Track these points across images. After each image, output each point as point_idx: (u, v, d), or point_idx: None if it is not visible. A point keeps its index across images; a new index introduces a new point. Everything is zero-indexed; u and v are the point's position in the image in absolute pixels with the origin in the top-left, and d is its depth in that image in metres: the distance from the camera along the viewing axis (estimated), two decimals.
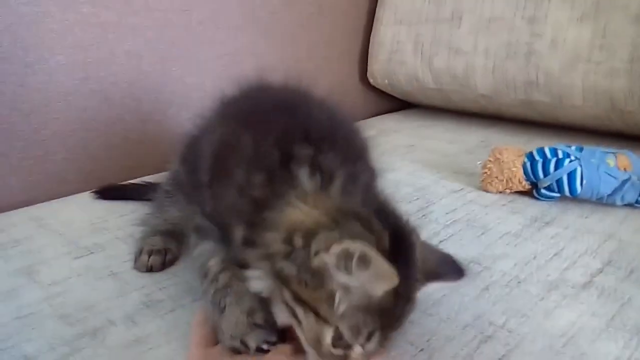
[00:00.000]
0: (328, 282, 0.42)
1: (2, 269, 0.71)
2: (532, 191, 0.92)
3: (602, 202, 0.86)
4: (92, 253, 0.75)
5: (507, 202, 0.90)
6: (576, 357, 0.51)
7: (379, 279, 0.40)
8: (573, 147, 0.89)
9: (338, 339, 0.42)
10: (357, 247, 0.39)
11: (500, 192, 0.93)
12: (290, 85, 0.64)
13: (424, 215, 0.86)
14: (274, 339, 0.46)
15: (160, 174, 0.90)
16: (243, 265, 0.49)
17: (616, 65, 1.11)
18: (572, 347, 0.52)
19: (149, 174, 1.03)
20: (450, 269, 0.51)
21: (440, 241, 0.76)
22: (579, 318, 0.57)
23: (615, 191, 0.84)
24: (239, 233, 0.49)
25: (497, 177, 0.92)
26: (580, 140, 1.14)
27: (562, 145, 0.90)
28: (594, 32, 1.15)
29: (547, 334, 0.55)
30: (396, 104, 1.76)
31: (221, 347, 0.49)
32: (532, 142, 1.24)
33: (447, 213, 0.86)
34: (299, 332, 0.45)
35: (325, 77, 1.57)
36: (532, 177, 0.90)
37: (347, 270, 0.40)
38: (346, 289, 0.41)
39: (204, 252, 0.55)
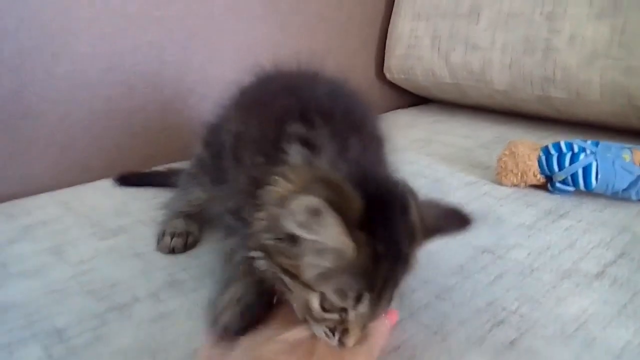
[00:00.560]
0: (300, 245, 0.42)
1: (31, 249, 0.74)
2: (547, 185, 0.92)
3: (617, 196, 0.86)
4: (116, 235, 0.78)
5: (521, 195, 0.91)
6: (587, 342, 0.52)
7: (332, 231, 0.40)
8: (589, 142, 0.90)
9: (329, 304, 0.43)
10: (305, 199, 0.39)
11: (515, 186, 0.94)
12: (301, 69, 0.66)
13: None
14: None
15: (181, 162, 0.93)
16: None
17: (634, 62, 1.11)
18: (583, 332, 0.54)
19: (170, 162, 1.06)
20: (453, 220, 0.50)
21: None
22: (591, 305, 0.58)
23: (630, 186, 0.84)
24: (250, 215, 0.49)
25: (512, 171, 0.93)
26: (596, 136, 1.14)
27: (578, 140, 0.90)
28: (612, 29, 1.15)
29: (559, 319, 0.56)
30: (412, 99, 1.77)
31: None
32: (547, 138, 1.24)
33: (462, 204, 0.87)
34: (295, 306, 0.46)
35: (341, 71, 1.58)
36: (547, 170, 0.90)
37: (306, 226, 0.40)
38: (317, 251, 0.42)
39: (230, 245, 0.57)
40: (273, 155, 0.49)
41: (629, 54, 1.12)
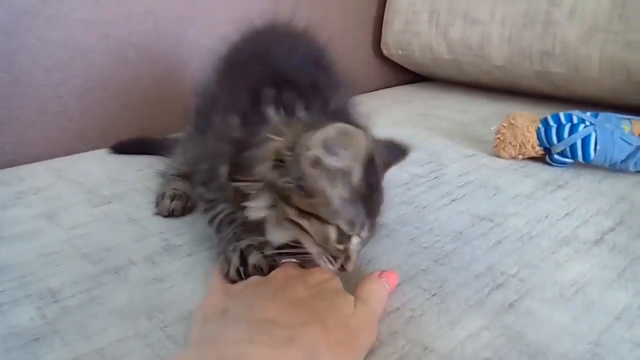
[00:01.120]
0: (318, 182, 0.48)
1: (24, 213, 0.73)
2: (545, 157, 0.92)
3: (615, 167, 0.86)
4: (110, 202, 0.77)
5: (519, 167, 0.91)
6: (586, 304, 0.52)
7: (356, 144, 0.46)
8: (588, 113, 0.89)
9: (340, 235, 0.49)
10: (329, 128, 0.45)
11: (513, 158, 0.94)
12: (280, 29, 0.72)
13: (436, 177, 0.87)
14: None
15: (176, 134, 0.92)
16: (230, 199, 0.55)
17: (634, 37, 1.10)
18: (582, 295, 0.53)
19: (164, 134, 1.04)
20: (395, 152, 0.61)
21: (453, 200, 0.77)
22: (590, 270, 0.58)
23: (629, 157, 0.84)
24: (223, 170, 0.54)
25: (510, 143, 0.93)
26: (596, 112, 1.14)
27: (578, 112, 0.90)
28: (613, 3, 1.13)
29: (558, 283, 0.56)
30: (409, 76, 1.75)
31: (242, 284, 0.50)
32: (546, 114, 1.23)
33: (459, 175, 0.87)
34: (306, 242, 0.51)
35: (338, 47, 1.56)
36: (545, 142, 0.90)
37: (330, 150, 0.46)
38: (332, 180, 0.47)
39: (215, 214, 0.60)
40: (251, 116, 0.53)
41: (629, 28, 1.11)
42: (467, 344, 0.46)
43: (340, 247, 0.50)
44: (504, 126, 0.94)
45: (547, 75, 1.28)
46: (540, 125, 0.91)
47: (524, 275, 0.57)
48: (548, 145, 0.90)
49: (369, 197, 0.50)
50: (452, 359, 0.45)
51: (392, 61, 1.68)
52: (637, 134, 0.84)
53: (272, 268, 0.52)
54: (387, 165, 0.58)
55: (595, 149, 0.85)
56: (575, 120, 0.88)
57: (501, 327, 0.49)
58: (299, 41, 0.68)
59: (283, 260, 0.54)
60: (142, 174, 0.87)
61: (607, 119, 0.87)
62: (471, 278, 0.57)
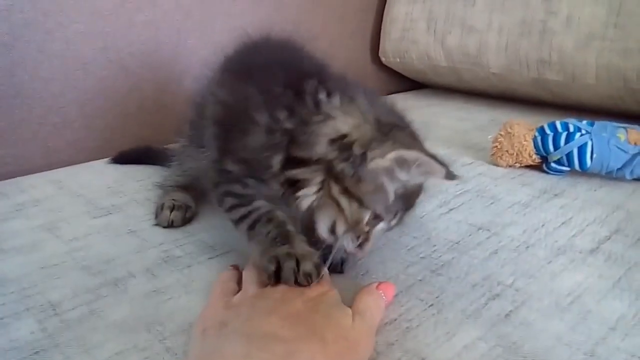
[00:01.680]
0: (379, 178, 0.52)
1: (24, 225, 0.74)
2: (542, 165, 0.93)
3: (612, 176, 0.87)
4: (110, 213, 0.78)
5: (516, 175, 0.91)
6: (582, 314, 0.52)
7: (431, 173, 0.53)
8: (584, 122, 0.90)
9: (372, 219, 0.54)
10: (411, 154, 0.50)
11: (510, 166, 0.94)
12: (277, 41, 0.73)
13: (434, 186, 0.87)
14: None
15: (175, 143, 0.92)
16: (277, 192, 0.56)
17: (630, 44, 1.11)
18: (578, 305, 0.54)
19: (164, 144, 1.05)
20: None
21: (450, 209, 0.78)
22: (586, 279, 0.59)
23: (625, 165, 0.85)
24: (276, 160, 0.55)
25: (507, 151, 0.93)
26: (592, 119, 1.15)
27: (574, 120, 0.90)
28: (609, 11, 1.14)
29: (554, 293, 0.56)
30: (407, 84, 1.76)
31: (241, 297, 0.51)
32: (543, 122, 1.23)
33: (457, 184, 0.87)
34: (338, 220, 0.53)
35: (337, 55, 1.58)
36: (542, 150, 0.90)
37: (402, 170, 0.51)
38: (394, 183, 0.53)
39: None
40: (299, 107, 0.55)
41: (625, 36, 1.12)
42: (464, 355, 0.47)
43: (367, 228, 0.54)
44: (501, 135, 0.95)
45: (544, 83, 1.29)
46: (536, 134, 0.92)
47: (520, 285, 0.58)
48: (545, 154, 0.90)
49: (411, 192, 0.56)
50: None
51: (391, 69, 1.69)
52: (633, 143, 0.85)
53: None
54: None
55: (591, 158, 0.85)
56: (571, 129, 0.88)
57: (497, 337, 0.49)
58: (304, 50, 0.71)
59: None
60: (141, 185, 0.88)
61: (603, 127, 0.87)
62: (468, 288, 0.57)
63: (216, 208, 0.76)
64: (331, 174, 0.53)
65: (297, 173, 0.54)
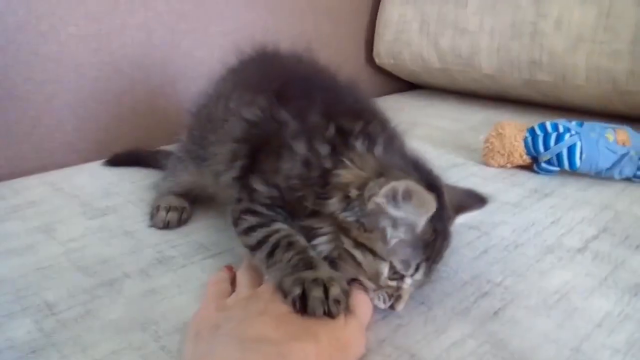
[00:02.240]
0: (380, 222, 0.49)
1: (20, 227, 0.74)
2: (533, 165, 0.94)
3: (601, 175, 0.88)
4: (105, 214, 0.78)
5: (507, 176, 0.92)
6: (569, 311, 0.54)
7: (422, 206, 0.47)
8: (574, 122, 0.91)
9: (393, 273, 0.50)
10: (401, 183, 0.46)
11: (502, 166, 0.96)
12: (294, 55, 0.72)
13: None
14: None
15: (169, 145, 0.93)
16: (306, 236, 0.53)
17: (619, 46, 1.13)
18: (565, 303, 0.55)
19: (157, 145, 1.06)
20: (473, 200, 0.60)
21: None
22: (573, 278, 0.60)
23: (613, 165, 0.86)
24: (311, 199, 0.53)
25: (498, 152, 0.95)
26: (582, 119, 1.16)
27: (563, 121, 0.92)
28: (598, 13, 1.16)
29: (542, 291, 0.57)
30: (401, 85, 1.77)
31: (233, 298, 0.51)
32: (534, 122, 1.24)
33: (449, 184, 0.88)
34: (360, 276, 0.51)
35: (331, 56, 1.58)
36: (533, 151, 0.92)
37: (396, 204, 0.47)
38: (395, 224, 0.49)
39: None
40: (339, 147, 0.54)
41: (614, 38, 1.14)
42: (452, 351, 0.48)
43: (393, 284, 0.50)
44: (492, 135, 0.96)
45: (535, 84, 1.31)
46: (527, 135, 0.93)
47: (508, 284, 0.59)
48: (535, 154, 0.92)
49: (432, 241, 0.50)
50: None
51: (385, 70, 1.71)
52: (621, 143, 0.86)
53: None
54: (461, 210, 0.57)
55: (580, 158, 0.87)
56: (561, 130, 0.90)
57: (486, 334, 0.50)
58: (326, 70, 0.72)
59: None
60: (136, 186, 0.89)
61: (592, 128, 0.89)
62: (458, 287, 0.58)
63: (209, 209, 0.78)
64: (340, 228, 0.50)
65: (312, 222, 0.53)
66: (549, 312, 0.54)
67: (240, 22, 1.31)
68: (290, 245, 0.51)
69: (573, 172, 0.89)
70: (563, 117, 1.20)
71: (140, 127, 1.15)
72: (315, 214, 0.53)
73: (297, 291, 0.46)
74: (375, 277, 0.50)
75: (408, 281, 0.51)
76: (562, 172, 0.90)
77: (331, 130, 0.55)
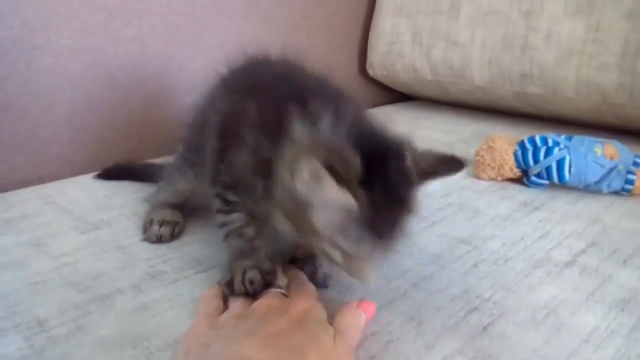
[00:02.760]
0: (309, 205, 0.47)
1: (12, 241, 0.74)
2: (523, 178, 0.95)
3: (590, 189, 0.89)
4: (98, 228, 0.78)
5: (498, 189, 0.93)
6: (557, 326, 0.54)
7: (316, 180, 0.45)
8: (563, 136, 0.92)
9: (341, 250, 0.49)
10: (309, 165, 0.44)
11: (492, 179, 0.97)
12: (278, 59, 0.73)
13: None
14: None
15: (164, 157, 0.93)
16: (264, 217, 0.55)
17: (608, 59, 1.14)
18: (553, 318, 0.56)
19: (152, 157, 1.06)
20: (448, 164, 0.56)
21: (434, 222, 0.80)
22: (561, 293, 0.60)
23: (602, 179, 0.87)
24: (260, 185, 0.54)
25: (489, 165, 0.96)
26: (573, 132, 1.18)
27: (553, 135, 0.93)
28: (587, 27, 1.18)
29: (530, 306, 0.58)
30: (394, 96, 1.79)
31: (225, 316, 0.52)
32: (525, 134, 1.25)
33: (440, 197, 0.89)
34: (318, 255, 0.52)
35: (325, 67, 1.60)
36: (522, 164, 0.93)
37: (311, 189, 0.46)
38: (326, 209, 0.47)
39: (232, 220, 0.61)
40: (278, 133, 0.52)
41: (603, 51, 1.15)
42: None
43: (349, 259, 0.50)
44: (483, 149, 0.97)
45: (526, 96, 1.32)
46: (517, 148, 0.94)
47: (498, 299, 0.59)
48: (525, 167, 0.93)
49: (378, 216, 0.47)
50: None
51: (378, 81, 1.72)
52: (609, 157, 0.87)
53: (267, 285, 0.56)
54: (428, 175, 0.53)
55: (569, 171, 0.88)
56: (550, 143, 0.91)
57: (475, 350, 0.51)
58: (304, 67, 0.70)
59: (270, 290, 0.56)
60: (128, 200, 0.89)
61: (581, 142, 0.90)
62: (447, 302, 0.59)
63: (203, 223, 0.78)
64: (284, 214, 0.51)
65: (267, 208, 0.53)
66: (537, 327, 0.54)
67: (234, 34, 1.32)
68: (240, 235, 0.59)
69: (562, 185, 0.90)
70: (554, 129, 1.21)
71: (135, 139, 1.15)
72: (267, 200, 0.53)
73: (227, 277, 0.57)
74: (328, 259, 0.51)
75: (360, 256, 0.49)
76: (552, 185, 0.91)
77: (276, 116, 0.54)
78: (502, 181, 0.96)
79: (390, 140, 0.52)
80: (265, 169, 0.52)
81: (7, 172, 0.99)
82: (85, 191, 0.94)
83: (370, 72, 1.69)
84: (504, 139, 0.97)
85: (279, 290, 0.56)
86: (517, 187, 0.94)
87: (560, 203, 0.86)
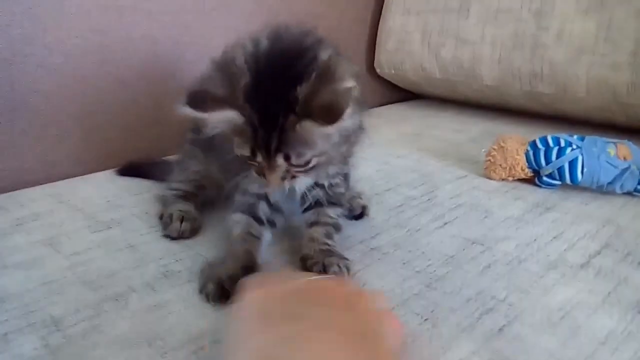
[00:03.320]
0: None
1: (25, 241, 0.74)
2: (534, 179, 0.94)
3: (602, 190, 0.88)
4: (110, 227, 0.79)
5: (509, 189, 0.93)
6: (572, 329, 0.54)
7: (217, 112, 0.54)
8: (575, 137, 0.91)
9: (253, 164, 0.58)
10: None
11: (503, 179, 0.96)
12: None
13: (429, 200, 0.89)
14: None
15: (174, 156, 0.93)
16: None
17: (619, 58, 1.14)
18: (569, 320, 0.55)
19: (162, 156, 1.06)
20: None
21: (445, 223, 0.79)
22: (576, 295, 0.60)
23: (615, 179, 0.87)
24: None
25: (500, 165, 0.95)
26: (583, 132, 1.18)
27: (565, 135, 0.92)
28: (598, 25, 1.17)
29: (546, 308, 0.58)
30: (402, 94, 1.78)
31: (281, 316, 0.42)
32: (535, 134, 1.25)
33: (451, 198, 0.89)
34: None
35: None
36: (534, 164, 0.92)
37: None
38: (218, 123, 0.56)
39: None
40: None
41: (615, 50, 1.14)
42: None
43: (254, 163, 0.57)
44: (494, 148, 0.97)
45: (537, 96, 1.31)
46: (529, 148, 0.94)
47: (513, 300, 0.59)
48: (537, 168, 0.92)
49: (255, 131, 0.54)
50: None
51: (386, 80, 1.71)
52: (622, 158, 0.87)
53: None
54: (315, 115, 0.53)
55: (582, 172, 0.87)
56: (562, 144, 0.90)
57: (491, 352, 0.50)
58: None
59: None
60: (139, 199, 0.89)
61: (593, 142, 0.89)
62: (462, 303, 0.59)
63: (215, 222, 0.78)
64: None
65: None
66: (554, 330, 0.54)
67: (244, 32, 1.31)
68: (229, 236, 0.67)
69: (575, 186, 0.89)
70: (564, 128, 1.21)
71: (145, 138, 1.15)
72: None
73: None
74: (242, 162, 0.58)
75: (259, 162, 0.56)
76: (564, 185, 0.91)
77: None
78: (514, 181, 0.96)
79: (300, 62, 0.56)
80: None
81: (18, 171, 0.99)
82: (96, 190, 0.94)
83: (378, 70, 1.68)
84: (515, 139, 0.96)
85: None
86: (528, 188, 0.93)
87: (572, 204, 0.86)
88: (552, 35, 1.24)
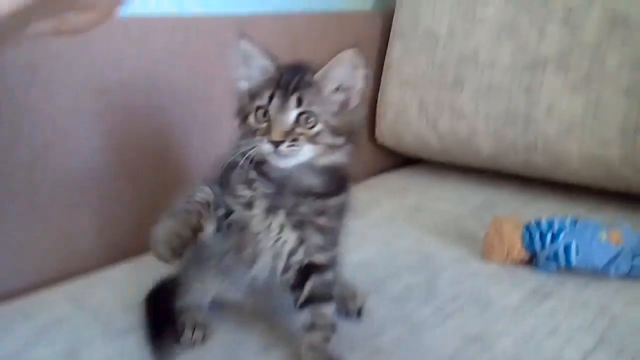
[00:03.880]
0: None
1: (46, 352, 0.78)
2: (532, 260, 0.98)
3: (597, 272, 0.92)
4: (127, 334, 0.82)
5: (507, 274, 0.96)
6: None
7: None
8: (568, 219, 0.95)
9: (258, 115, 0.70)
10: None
11: (502, 262, 1.00)
12: None
13: (429, 288, 0.92)
14: None
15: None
16: None
17: (609, 134, 1.18)
18: None
19: None
20: None
21: (446, 317, 0.83)
22: None
23: (609, 263, 0.90)
24: None
25: (498, 248, 0.99)
26: (580, 200, 1.22)
27: (558, 218, 0.96)
28: (587, 102, 1.22)
29: None
30: (404, 159, 1.83)
31: None
32: (533, 202, 1.31)
33: (451, 285, 0.93)
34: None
35: None
36: (530, 247, 0.96)
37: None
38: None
39: None
40: None
41: (604, 126, 1.19)
42: None
43: (262, 125, 0.68)
44: (491, 232, 1.01)
45: (533, 166, 1.36)
46: (524, 232, 0.97)
47: None
48: (533, 250, 0.96)
49: (279, 82, 0.68)
50: None
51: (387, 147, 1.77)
52: (614, 242, 0.90)
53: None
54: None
55: (576, 256, 0.91)
56: (556, 228, 0.94)
57: None
58: None
59: None
60: None
61: (585, 226, 0.93)
62: None
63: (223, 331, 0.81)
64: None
65: None
66: None
67: None
68: None
69: (570, 268, 0.93)
70: (561, 196, 1.25)
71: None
72: None
73: None
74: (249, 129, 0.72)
75: (271, 110, 0.67)
76: (560, 269, 0.94)
77: None
78: (512, 264, 0.99)
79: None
80: None
81: (38, 270, 1.04)
82: (111, 290, 0.96)
83: (379, 139, 1.74)
84: (511, 222, 1.00)
85: None
86: (526, 271, 0.96)
87: (568, 289, 0.89)
88: (543, 110, 1.29)
